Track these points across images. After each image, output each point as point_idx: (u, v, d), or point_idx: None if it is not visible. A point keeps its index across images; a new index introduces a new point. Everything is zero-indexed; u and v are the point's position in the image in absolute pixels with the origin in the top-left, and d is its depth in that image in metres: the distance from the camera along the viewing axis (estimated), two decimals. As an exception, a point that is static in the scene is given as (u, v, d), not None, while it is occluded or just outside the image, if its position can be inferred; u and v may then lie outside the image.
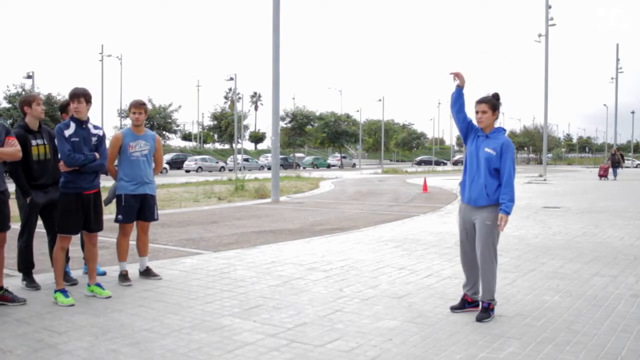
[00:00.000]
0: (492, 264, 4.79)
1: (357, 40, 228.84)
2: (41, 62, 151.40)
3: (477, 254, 4.83)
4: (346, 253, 7.77)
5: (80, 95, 5.32)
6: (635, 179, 33.20)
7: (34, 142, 5.61)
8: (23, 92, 45.09)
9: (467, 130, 4.94)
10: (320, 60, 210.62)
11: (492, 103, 4.81)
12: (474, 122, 4.92)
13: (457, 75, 4.91)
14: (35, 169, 5.59)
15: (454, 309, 4.97)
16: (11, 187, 5.37)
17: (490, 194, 4.73)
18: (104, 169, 5.64)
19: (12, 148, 5.04)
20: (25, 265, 5.73)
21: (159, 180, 30.51)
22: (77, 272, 6.38)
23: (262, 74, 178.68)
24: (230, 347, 4.04)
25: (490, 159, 4.72)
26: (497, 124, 4.92)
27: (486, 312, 4.76)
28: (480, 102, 4.83)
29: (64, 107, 6.05)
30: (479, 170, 4.78)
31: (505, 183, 4.69)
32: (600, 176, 31.24)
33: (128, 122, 50.13)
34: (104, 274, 6.29)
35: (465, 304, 4.98)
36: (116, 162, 6.18)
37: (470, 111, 5.02)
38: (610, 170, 31.99)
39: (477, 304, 4.92)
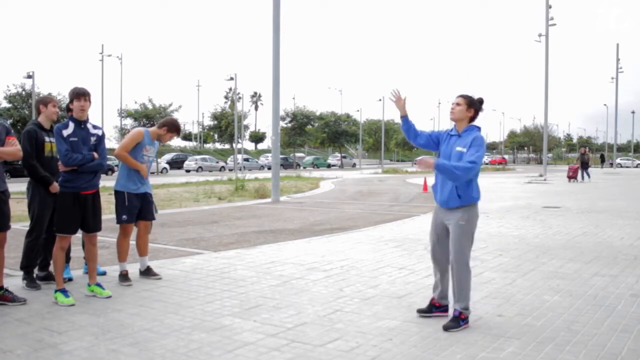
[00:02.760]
0: (466, 268, 4.55)
1: (357, 40, 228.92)
2: (41, 62, 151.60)
3: (451, 258, 4.61)
4: (346, 253, 7.77)
5: (87, 94, 5.41)
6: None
7: (47, 139, 5.75)
8: (23, 92, 45.08)
9: (436, 140, 4.78)
10: (320, 60, 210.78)
11: (469, 99, 4.65)
12: (436, 131, 4.83)
13: (396, 102, 4.77)
14: (47, 165, 5.69)
15: (420, 312, 4.80)
16: (12, 187, 5.38)
17: (462, 195, 4.53)
18: (103, 169, 5.65)
19: (13, 147, 5.06)
20: (28, 263, 5.73)
21: (159, 180, 30.40)
22: (77, 272, 6.38)
23: (262, 74, 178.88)
24: (231, 347, 4.04)
25: (461, 157, 4.47)
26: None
27: (456, 321, 4.45)
28: (457, 96, 4.69)
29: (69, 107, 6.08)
30: None
31: (463, 164, 4.38)
32: (569, 178, 27.86)
33: (128, 122, 49.32)
34: (104, 273, 6.30)
35: (433, 308, 4.77)
36: (117, 162, 6.20)
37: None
38: (581, 171, 28.44)
39: (445, 309, 4.74)
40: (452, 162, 4.46)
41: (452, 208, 4.61)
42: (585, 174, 28.60)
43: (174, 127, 6.27)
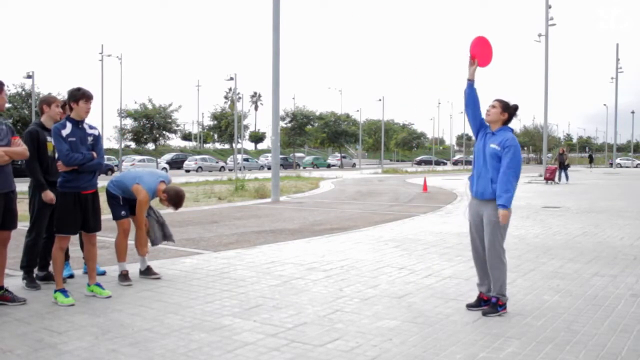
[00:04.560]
0: (499, 260, 4.84)
1: (357, 40, 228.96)
2: (41, 62, 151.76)
3: (486, 252, 4.90)
4: (346, 253, 7.77)
5: (93, 97, 5.45)
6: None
7: (48, 139, 5.75)
8: (23, 92, 45.07)
9: (479, 127, 5.06)
10: (320, 60, 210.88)
11: (504, 103, 4.94)
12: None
13: (470, 64, 4.95)
14: (51, 165, 5.70)
15: (469, 306, 5.01)
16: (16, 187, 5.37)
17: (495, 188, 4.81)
18: (102, 168, 5.65)
19: (20, 147, 5.11)
20: (28, 263, 5.73)
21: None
22: (77, 272, 6.38)
23: (262, 74, 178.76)
24: (230, 347, 4.04)
25: (495, 154, 4.82)
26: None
27: (494, 307, 4.80)
28: (494, 99, 4.98)
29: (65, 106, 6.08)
30: (485, 166, 4.88)
31: (500, 176, 4.73)
32: (547, 179, 26.47)
33: (128, 122, 48.97)
34: (103, 273, 6.30)
35: (481, 302, 4.98)
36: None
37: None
38: (560, 173, 26.95)
39: None
40: (499, 189, 4.71)
41: (486, 200, 4.85)
42: (564, 175, 27.28)
43: (172, 201, 6.20)
